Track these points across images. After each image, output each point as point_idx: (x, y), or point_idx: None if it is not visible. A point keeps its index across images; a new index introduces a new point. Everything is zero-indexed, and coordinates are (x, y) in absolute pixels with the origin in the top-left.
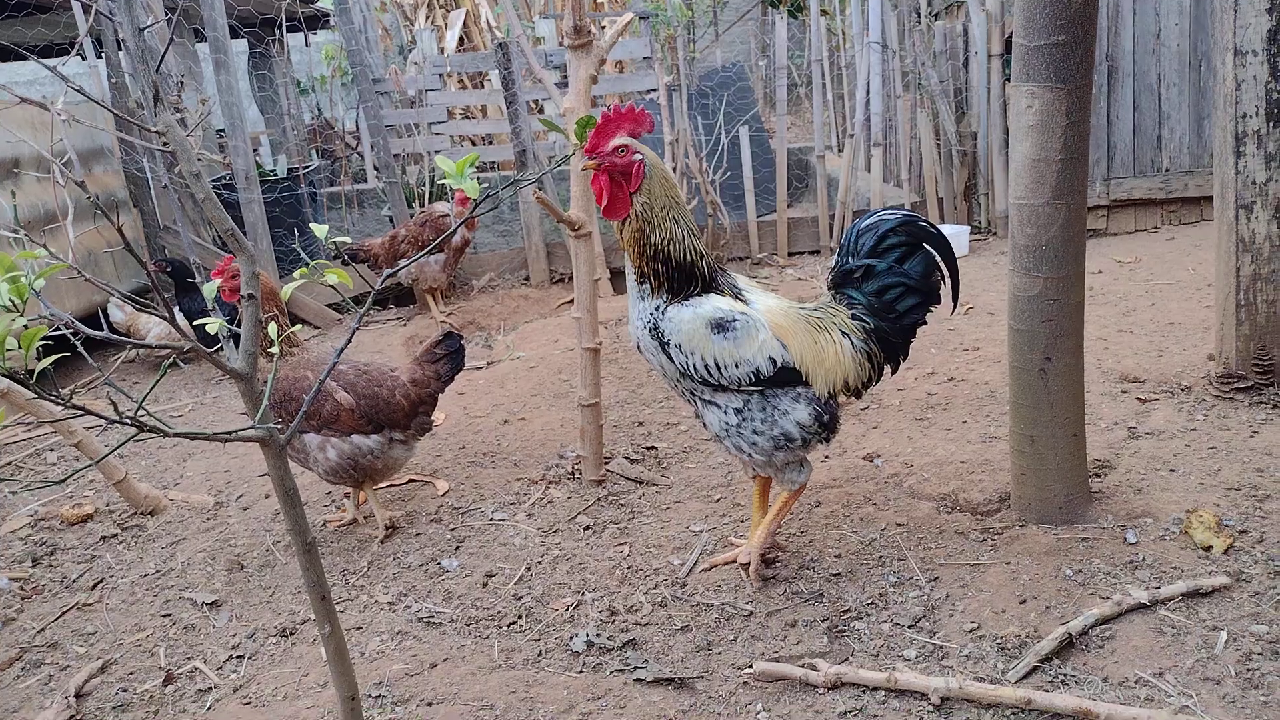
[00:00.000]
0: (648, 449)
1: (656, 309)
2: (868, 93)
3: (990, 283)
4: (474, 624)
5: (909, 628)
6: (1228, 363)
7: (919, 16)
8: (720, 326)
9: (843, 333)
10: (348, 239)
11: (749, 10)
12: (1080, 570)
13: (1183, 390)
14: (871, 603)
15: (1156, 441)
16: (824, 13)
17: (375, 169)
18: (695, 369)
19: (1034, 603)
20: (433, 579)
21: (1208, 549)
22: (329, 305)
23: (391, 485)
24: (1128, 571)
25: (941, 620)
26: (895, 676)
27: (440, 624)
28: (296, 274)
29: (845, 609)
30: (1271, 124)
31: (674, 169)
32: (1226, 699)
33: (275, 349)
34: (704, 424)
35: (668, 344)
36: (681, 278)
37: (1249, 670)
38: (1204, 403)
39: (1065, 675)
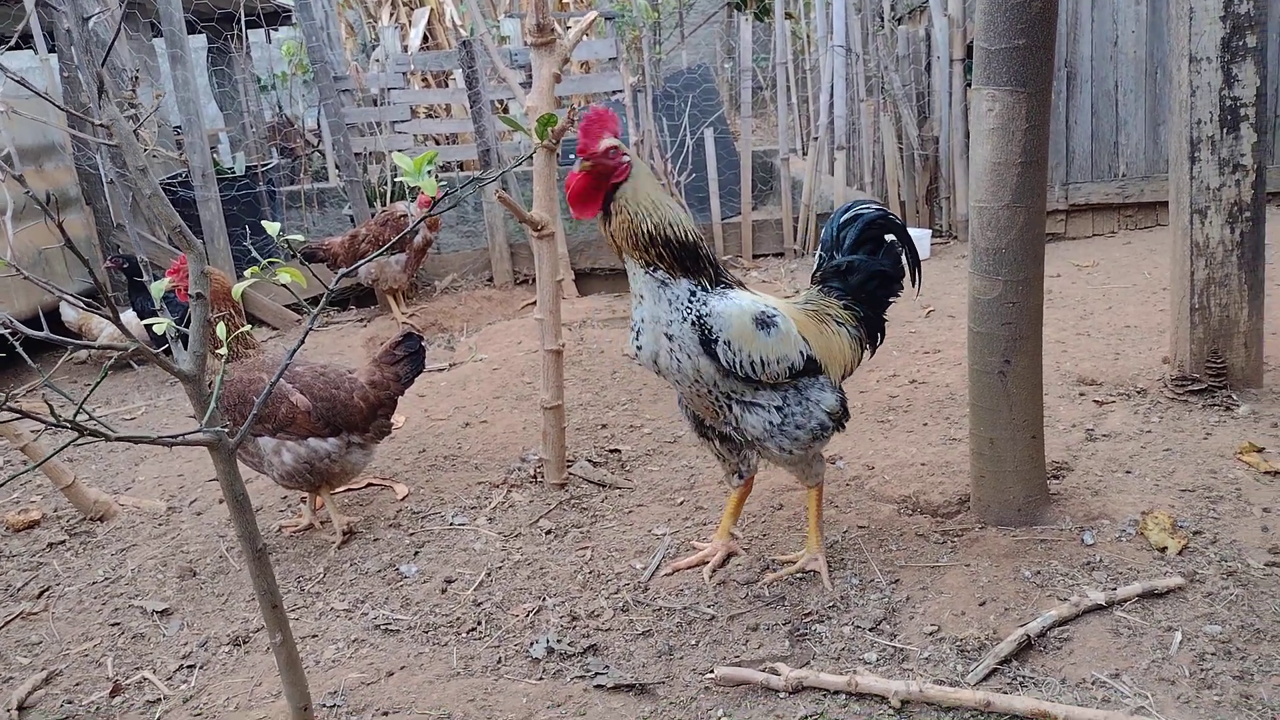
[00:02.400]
0: (611, 452)
1: (693, 297)
2: (831, 96)
3: (951, 285)
4: (432, 631)
5: (870, 630)
6: (1182, 366)
7: (882, 21)
8: (763, 322)
9: (838, 322)
10: (301, 237)
11: (715, 13)
12: (1039, 572)
13: (1139, 393)
14: (833, 605)
15: (1113, 443)
16: (789, 16)
17: (336, 167)
18: (741, 366)
19: (993, 605)
20: (390, 585)
21: (1163, 550)
22: (288, 306)
23: (349, 489)
24: (1085, 573)
25: (902, 623)
26: (856, 680)
27: (398, 631)
28: (248, 272)
29: (807, 612)
30: (1225, 130)
31: None
32: (1181, 699)
33: (224, 350)
34: (740, 430)
35: (715, 340)
36: (688, 256)
37: (1203, 670)
38: (1159, 405)
39: (1024, 677)
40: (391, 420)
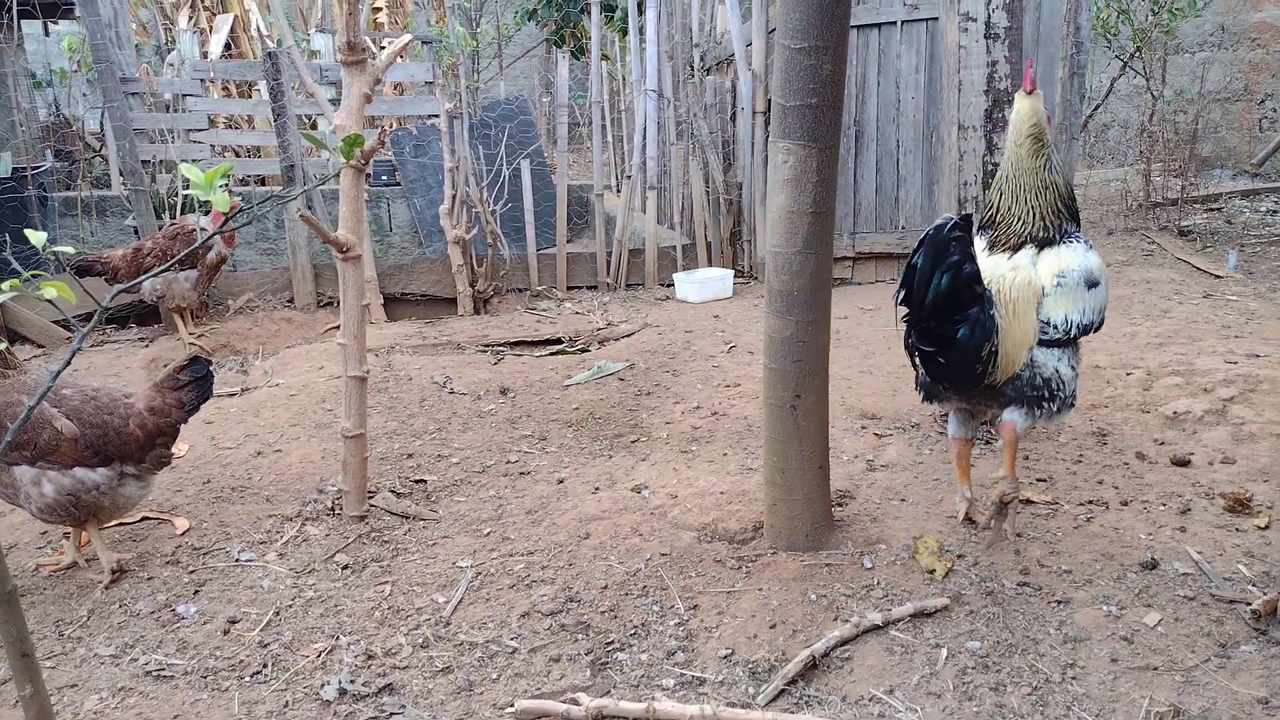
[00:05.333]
0: (416, 482)
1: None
2: (644, 137)
3: (751, 323)
4: (211, 675)
5: (668, 657)
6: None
7: (693, 70)
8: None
9: None
10: (72, 249)
11: (534, 47)
12: (824, 595)
13: (913, 426)
14: (634, 633)
15: (890, 473)
16: (605, 57)
17: (121, 174)
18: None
19: (783, 627)
20: (165, 627)
21: (932, 572)
22: (57, 322)
23: (121, 524)
24: (865, 594)
25: (699, 648)
26: (654, 707)
27: (172, 677)
28: (6, 284)
29: (609, 641)
30: (988, 191)
31: (453, 196)
32: (946, 711)
33: None
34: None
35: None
36: None
37: (964, 684)
38: (930, 438)
39: (809, 696)
40: (172, 450)
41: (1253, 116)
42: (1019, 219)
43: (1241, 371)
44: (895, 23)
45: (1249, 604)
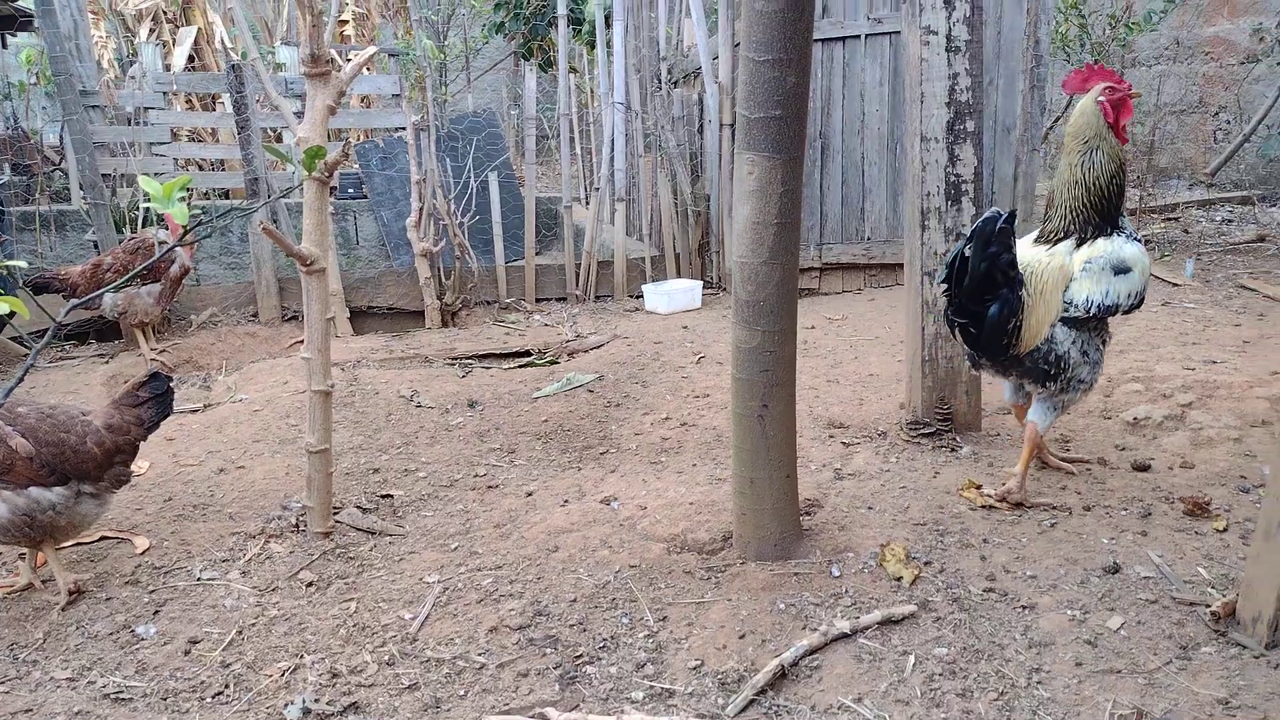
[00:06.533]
0: (382, 497)
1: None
2: (612, 150)
3: (720, 334)
4: (172, 697)
5: (637, 669)
6: (915, 411)
7: (660, 83)
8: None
9: None
10: (25, 263)
11: (502, 60)
12: (792, 604)
13: (879, 435)
14: (603, 646)
15: (857, 482)
16: (573, 70)
17: (81, 188)
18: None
19: (752, 637)
20: (124, 649)
21: (899, 580)
22: (13, 339)
23: (78, 543)
24: (833, 603)
25: (668, 660)
26: None
27: (130, 700)
28: None
29: (578, 655)
30: (950, 202)
31: (420, 209)
32: (914, 718)
33: None
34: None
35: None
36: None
37: (932, 690)
38: (897, 446)
39: (779, 706)
40: (132, 467)
41: (1207, 128)
42: (1055, 212)
43: (1199, 378)
44: (859, 36)
45: (1209, 606)
